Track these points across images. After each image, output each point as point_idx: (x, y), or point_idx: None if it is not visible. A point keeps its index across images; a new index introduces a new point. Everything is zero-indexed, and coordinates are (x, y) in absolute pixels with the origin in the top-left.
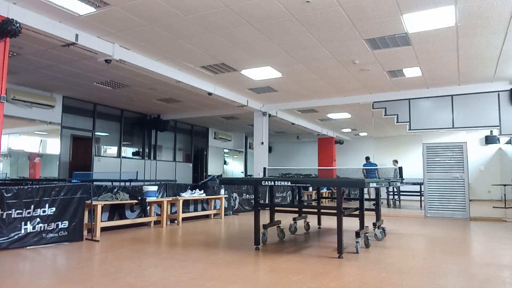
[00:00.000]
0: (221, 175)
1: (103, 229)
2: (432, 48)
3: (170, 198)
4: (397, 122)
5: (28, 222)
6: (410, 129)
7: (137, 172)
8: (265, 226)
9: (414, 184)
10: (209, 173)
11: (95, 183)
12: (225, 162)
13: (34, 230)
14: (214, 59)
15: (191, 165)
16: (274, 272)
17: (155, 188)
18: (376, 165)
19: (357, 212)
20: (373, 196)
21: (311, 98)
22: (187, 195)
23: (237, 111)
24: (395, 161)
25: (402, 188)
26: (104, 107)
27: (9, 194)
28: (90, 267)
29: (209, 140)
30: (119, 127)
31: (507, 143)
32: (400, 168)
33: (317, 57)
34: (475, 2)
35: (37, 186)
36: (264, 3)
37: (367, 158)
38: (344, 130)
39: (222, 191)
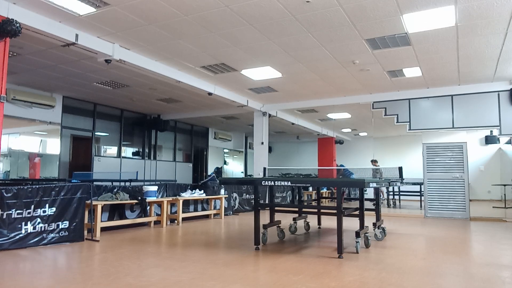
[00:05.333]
0: (222, 169)
1: (103, 229)
2: (432, 48)
3: (170, 198)
4: (397, 122)
5: (29, 222)
6: (410, 129)
7: (137, 172)
8: (265, 226)
9: (414, 184)
10: (209, 173)
11: (95, 183)
12: (225, 162)
13: (34, 230)
14: (214, 59)
15: (191, 165)
16: (274, 272)
17: (155, 188)
18: (344, 165)
19: (357, 212)
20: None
21: (311, 98)
22: (187, 195)
23: (237, 111)
24: (375, 161)
25: (402, 188)
26: (104, 107)
27: (9, 194)
28: (90, 267)
29: (209, 140)
30: (119, 127)
31: (507, 143)
32: (400, 168)
33: (317, 57)
34: (475, 2)
35: (37, 186)
36: (264, 3)
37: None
38: (344, 130)
39: (222, 191)
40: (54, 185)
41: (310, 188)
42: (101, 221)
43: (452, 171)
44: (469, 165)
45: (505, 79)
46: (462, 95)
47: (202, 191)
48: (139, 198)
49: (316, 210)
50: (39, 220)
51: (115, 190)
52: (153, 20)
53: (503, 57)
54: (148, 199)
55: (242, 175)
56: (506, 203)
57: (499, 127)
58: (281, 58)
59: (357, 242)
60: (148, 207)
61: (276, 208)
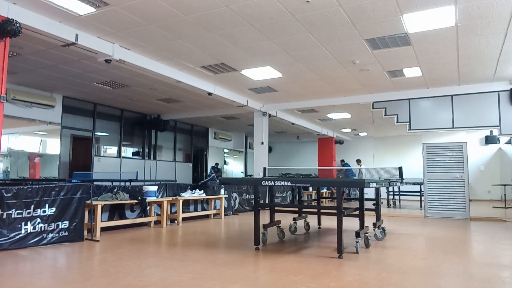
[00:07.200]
0: (220, 166)
1: (103, 229)
2: (432, 48)
3: (170, 198)
4: (397, 122)
5: (29, 222)
6: (410, 129)
7: (137, 172)
8: (265, 226)
9: (414, 184)
10: (209, 173)
11: (95, 183)
12: (225, 162)
13: (34, 230)
14: (214, 59)
15: (191, 165)
16: (274, 272)
17: (155, 188)
18: (349, 165)
19: (357, 212)
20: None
21: (311, 98)
22: (187, 195)
23: (237, 111)
24: (359, 161)
25: (402, 188)
26: (104, 107)
27: (9, 194)
28: (90, 267)
29: (209, 140)
30: (119, 127)
31: (507, 143)
32: (400, 168)
33: (317, 57)
34: (475, 2)
35: (37, 186)
36: (264, 3)
37: (342, 161)
38: (344, 130)
39: (222, 191)
40: (54, 185)
41: (310, 188)
42: (101, 221)
43: (452, 171)
44: (469, 165)
45: (505, 79)
46: (462, 95)
47: (202, 191)
48: (139, 198)
49: (316, 210)
50: (39, 220)
51: (115, 190)
52: (153, 20)
53: (503, 57)
54: (148, 199)
55: (242, 175)
56: (506, 203)
57: (499, 127)
58: (281, 58)
59: (357, 242)
60: (148, 207)
61: (276, 208)
